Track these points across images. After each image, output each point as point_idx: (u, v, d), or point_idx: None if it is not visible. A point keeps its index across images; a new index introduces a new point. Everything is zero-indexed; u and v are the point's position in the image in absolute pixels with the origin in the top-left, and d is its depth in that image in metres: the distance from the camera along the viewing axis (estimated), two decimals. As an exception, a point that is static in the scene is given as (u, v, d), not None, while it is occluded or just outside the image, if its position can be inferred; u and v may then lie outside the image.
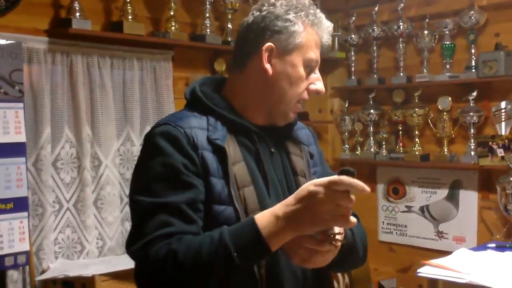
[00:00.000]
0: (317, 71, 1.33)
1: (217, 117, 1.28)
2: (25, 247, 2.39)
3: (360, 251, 1.36)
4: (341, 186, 1.07)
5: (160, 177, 1.19)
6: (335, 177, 1.08)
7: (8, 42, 2.36)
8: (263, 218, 1.12)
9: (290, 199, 1.12)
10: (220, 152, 1.23)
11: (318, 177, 1.34)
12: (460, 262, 2.43)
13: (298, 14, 1.28)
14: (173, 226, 1.14)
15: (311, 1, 1.34)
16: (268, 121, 1.34)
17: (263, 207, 1.20)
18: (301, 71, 1.29)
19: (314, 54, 1.30)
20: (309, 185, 1.10)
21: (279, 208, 1.12)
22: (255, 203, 1.23)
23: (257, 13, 1.31)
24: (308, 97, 1.34)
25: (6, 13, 2.43)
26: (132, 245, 1.17)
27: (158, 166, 1.20)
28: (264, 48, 1.27)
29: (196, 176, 1.20)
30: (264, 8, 1.30)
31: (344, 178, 1.06)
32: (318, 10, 1.33)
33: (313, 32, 1.30)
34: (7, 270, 2.37)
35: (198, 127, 1.25)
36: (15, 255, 2.37)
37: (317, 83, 1.33)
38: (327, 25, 1.33)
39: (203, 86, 1.35)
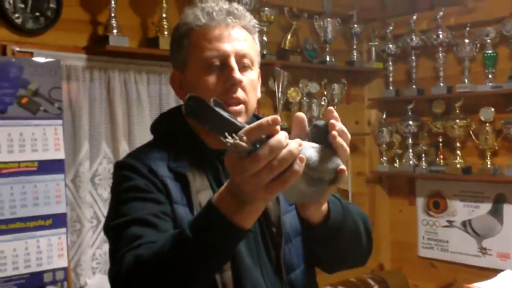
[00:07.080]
0: (231, 61, 1.20)
1: (181, 146, 1.24)
2: (64, 263, 2.41)
3: (361, 227, 1.20)
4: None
5: (127, 200, 1.17)
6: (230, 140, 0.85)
7: (48, 60, 2.39)
8: (221, 199, 0.94)
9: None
10: (182, 179, 1.18)
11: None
12: (506, 286, 2.32)
13: (186, 22, 1.24)
14: (143, 237, 1.08)
15: None
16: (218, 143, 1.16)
17: None
18: (203, 77, 1.21)
19: (209, 51, 1.20)
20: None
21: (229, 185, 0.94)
22: None
23: None
24: (236, 93, 1.20)
25: (45, 30, 2.46)
26: (110, 272, 1.10)
27: (123, 192, 1.19)
28: (170, 79, 1.30)
29: (160, 195, 1.17)
30: None
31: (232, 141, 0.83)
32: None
33: (203, 30, 1.22)
34: (46, 286, 2.38)
35: (159, 158, 1.22)
36: (54, 271, 2.39)
37: (229, 77, 1.20)
38: (215, 3, 1.23)
39: (173, 112, 1.33)
